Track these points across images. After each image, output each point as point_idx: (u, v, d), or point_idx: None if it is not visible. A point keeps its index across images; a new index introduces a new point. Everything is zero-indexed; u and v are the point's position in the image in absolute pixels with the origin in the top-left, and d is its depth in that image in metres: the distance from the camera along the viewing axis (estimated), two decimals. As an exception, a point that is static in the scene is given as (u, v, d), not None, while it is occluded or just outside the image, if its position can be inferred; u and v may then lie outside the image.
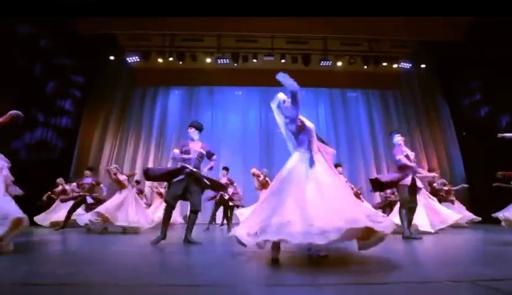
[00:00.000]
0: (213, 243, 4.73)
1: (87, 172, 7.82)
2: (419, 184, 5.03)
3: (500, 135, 4.24)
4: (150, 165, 12.93)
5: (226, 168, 9.23)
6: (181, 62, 12.51)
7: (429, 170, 8.39)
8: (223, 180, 9.37)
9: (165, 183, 8.02)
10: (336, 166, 7.99)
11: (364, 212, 2.45)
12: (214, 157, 4.79)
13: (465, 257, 3.11)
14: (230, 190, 8.62)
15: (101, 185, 8.01)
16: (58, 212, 8.46)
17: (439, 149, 13.78)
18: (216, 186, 4.91)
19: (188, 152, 4.49)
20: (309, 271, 2.27)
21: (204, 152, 4.64)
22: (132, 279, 2.00)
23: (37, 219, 8.60)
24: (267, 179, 8.48)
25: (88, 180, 7.57)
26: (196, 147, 4.59)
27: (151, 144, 13.40)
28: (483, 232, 6.64)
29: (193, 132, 4.70)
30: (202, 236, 5.57)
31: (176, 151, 4.52)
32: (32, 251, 3.46)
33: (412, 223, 5.03)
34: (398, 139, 5.11)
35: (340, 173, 7.85)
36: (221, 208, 9.27)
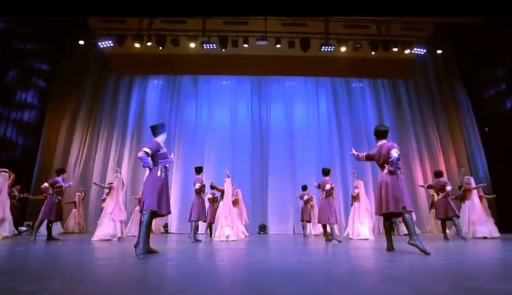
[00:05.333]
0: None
1: None
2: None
3: None
4: (124, 166, 12.74)
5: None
6: (161, 48, 12.26)
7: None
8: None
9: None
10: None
11: None
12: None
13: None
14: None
15: None
16: None
17: (459, 147, 13.51)
18: None
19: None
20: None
21: None
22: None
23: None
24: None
25: None
26: None
27: (125, 141, 13.20)
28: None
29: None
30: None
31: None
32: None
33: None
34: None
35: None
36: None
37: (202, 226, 10.27)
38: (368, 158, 5.09)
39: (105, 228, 7.49)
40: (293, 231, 12.12)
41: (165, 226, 12.23)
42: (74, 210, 11.43)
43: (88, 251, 5.04)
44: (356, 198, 8.72)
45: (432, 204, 11.56)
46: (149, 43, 12.30)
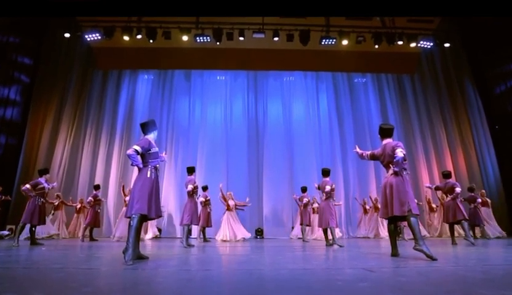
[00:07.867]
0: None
1: None
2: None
3: None
4: (113, 166, 12.66)
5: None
6: (151, 41, 12.19)
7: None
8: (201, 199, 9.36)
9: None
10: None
11: None
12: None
13: None
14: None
15: None
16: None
17: (468, 146, 13.45)
18: None
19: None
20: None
21: None
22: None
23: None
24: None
25: None
26: None
27: (114, 140, 13.07)
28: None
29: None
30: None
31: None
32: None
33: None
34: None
35: None
36: None
37: (195, 230, 10.24)
38: (373, 157, 5.05)
39: (123, 229, 9.24)
40: (291, 235, 12.01)
41: (159, 230, 12.14)
42: (75, 215, 11.69)
43: (76, 257, 4.97)
44: (315, 210, 10.47)
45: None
46: (139, 36, 12.22)
